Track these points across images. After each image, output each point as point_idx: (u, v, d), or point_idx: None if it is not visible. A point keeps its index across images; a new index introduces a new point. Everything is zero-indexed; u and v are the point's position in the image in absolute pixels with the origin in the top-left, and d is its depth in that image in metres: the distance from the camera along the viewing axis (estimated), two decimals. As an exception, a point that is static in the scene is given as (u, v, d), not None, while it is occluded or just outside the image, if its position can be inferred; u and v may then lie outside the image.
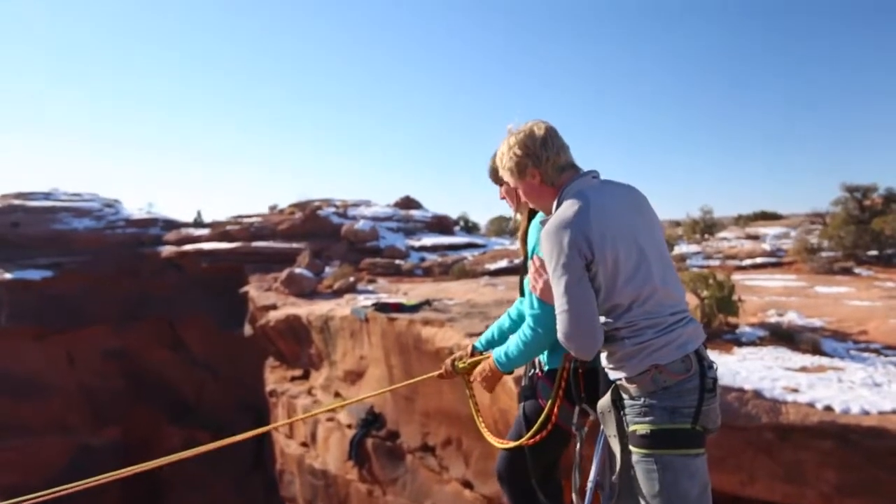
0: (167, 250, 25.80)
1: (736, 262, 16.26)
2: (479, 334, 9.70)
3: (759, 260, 16.52)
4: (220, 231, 25.54)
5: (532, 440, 2.31)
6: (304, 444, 14.02)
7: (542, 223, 2.13)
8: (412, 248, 22.12)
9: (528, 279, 2.30)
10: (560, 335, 1.99)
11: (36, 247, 26.03)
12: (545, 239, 1.99)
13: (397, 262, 20.13)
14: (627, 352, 1.96)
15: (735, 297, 8.85)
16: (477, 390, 2.65)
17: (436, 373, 2.74)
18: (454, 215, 27.62)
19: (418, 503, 10.38)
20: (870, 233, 14.84)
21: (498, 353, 2.38)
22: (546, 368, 2.39)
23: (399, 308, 11.66)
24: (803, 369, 6.96)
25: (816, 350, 7.51)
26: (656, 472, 1.88)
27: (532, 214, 2.42)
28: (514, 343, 2.32)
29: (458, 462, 9.86)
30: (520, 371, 2.57)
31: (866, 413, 5.90)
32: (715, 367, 2.03)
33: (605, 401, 2.09)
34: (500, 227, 27.96)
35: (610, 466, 2.08)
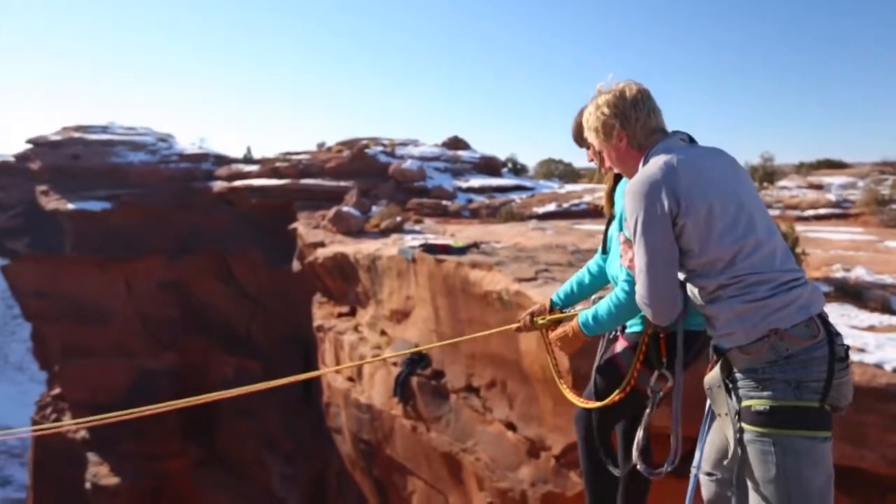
0: (218, 185, 26.24)
1: (797, 213, 15.53)
2: (528, 279, 9.55)
3: (822, 211, 15.73)
4: (269, 168, 25.75)
5: (609, 402, 2.24)
6: (350, 380, 14.40)
7: None
8: (459, 189, 21.88)
9: (617, 241, 2.20)
10: (638, 297, 1.91)
11: (94, 179, 26.83)
12: (628, 195, 1.87)
13: (444, 202, 19.98)
14: (738, 311, 1.74)
15: (799, 250, 8.45)
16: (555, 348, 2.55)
17: (513, 326, 2.63)
18: (502, 157, 27.06)
19: (461, 441, 10.59)
20: (948, 185, 13.91)
21: (585, 315, 2.25)
22: (627, 331, 2.29)
23: (446, 250, 11.60)
24: (871, 328, 6.64)
25: (886, 308, 7.15)
26: (773, 455, 1.66)
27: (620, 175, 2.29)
28: (604, 306, 2.19)
29: (501, 404, 9.95)
30: None
31: (939, 377, 5.60)
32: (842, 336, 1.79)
33: (713, 376, 1.86)
34: (549, 169, 27.34)
35: (721, 450, 1.88)
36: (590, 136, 2.09)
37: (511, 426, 9.71)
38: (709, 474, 1.93)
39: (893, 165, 16.96)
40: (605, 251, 2.44)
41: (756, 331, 1.71)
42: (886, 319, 6.89)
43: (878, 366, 5.80)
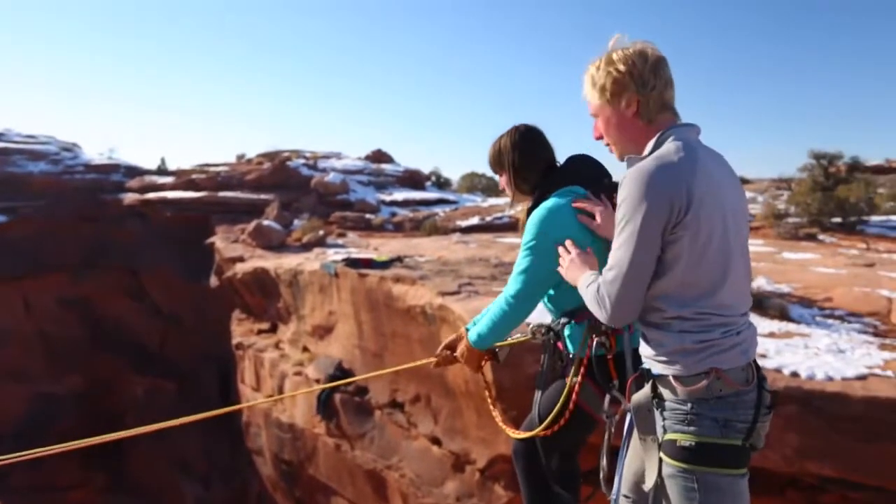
0: (130, 198, 24.96)
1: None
2: (451, 293, 9.54)
3: (726, 224, 16.67)
4: (185, 180, 24.78)
5: (546, 432, 2.11)
6: (270, 397, 13.95)
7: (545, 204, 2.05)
8: (383, 202, 21.83)
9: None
10: (599, 294, 1.70)
11: (-12, 190, 24.89)
12: (635, 180, 1.58)
13: (368, 216, 19.86)
14: (687, 347, 1.63)
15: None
16: (486, 371, 2.47)
17: (430, 359, 2.48)
18: (426, 170, 27.29)
19: (386, 458, 10.46)
20: (835, 200, 15.09)
21: (471, 332, 2.27)
22: (572, 356, 2.14)
23: (370, 264, 11.50)
24: (771, 335, 7.07)
25: (784, 316, 7.64)
26: (696, 493, 1.60)
27: (532, 207, 2.18)
28: (486, 319, 2.22)
29: (426, 419, 9.91)
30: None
31: (830, 379, 6.03)
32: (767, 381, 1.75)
33: (643, 396, 1.72)
34: (472, 183, 27.74)
35: (638, 472, 1.82)
36: (590, 95, 1.77)
37: (436, 441, 9.69)
38: (625, 496, 1.90)
39: (788, 182, 18.26)
40: None
41: (698, 367, 1.63)
42: (784, 326, 7.36)
43: (778, 370, 6.17)
